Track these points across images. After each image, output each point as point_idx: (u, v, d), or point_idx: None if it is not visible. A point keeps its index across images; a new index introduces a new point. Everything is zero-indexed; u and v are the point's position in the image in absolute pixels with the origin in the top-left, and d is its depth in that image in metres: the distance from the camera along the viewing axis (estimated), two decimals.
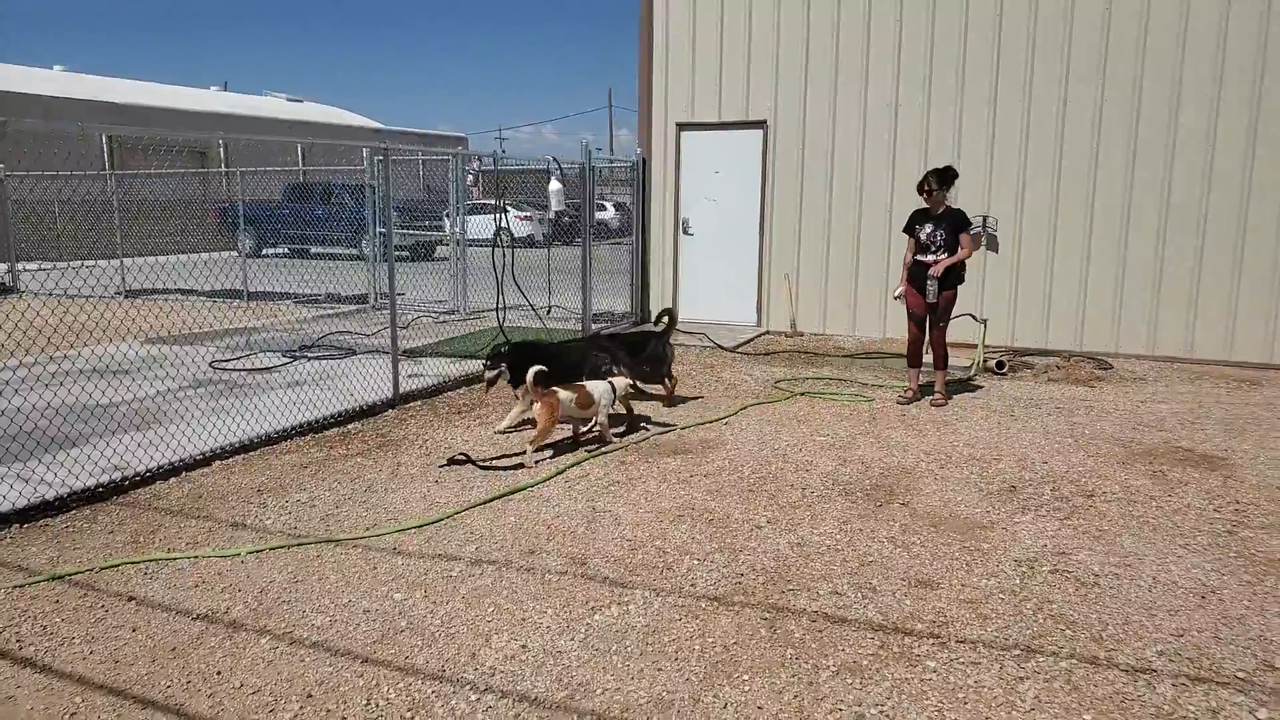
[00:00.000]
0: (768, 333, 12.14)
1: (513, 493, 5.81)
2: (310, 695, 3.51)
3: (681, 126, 12.55)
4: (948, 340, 8.34)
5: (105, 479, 5.90)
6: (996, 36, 10.76)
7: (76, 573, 4.59)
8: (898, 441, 7.04)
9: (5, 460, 6.12)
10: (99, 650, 3.83)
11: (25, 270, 17.65)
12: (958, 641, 3.90)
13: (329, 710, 3.40)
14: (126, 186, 18.83)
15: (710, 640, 3.90)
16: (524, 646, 3.86)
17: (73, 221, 21.02)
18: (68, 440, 6.72)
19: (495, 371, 7.36)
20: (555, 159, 11.26)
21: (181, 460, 6.33)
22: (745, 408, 8.05)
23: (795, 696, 3.46)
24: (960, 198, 9.45)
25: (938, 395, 8.30)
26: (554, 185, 11.15)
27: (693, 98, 12.39)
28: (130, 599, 4.32)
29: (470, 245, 14.69)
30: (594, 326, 11.95)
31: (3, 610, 4.20)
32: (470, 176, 14.96)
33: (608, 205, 27.78)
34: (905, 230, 8.38)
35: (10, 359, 9.67)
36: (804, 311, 12.13)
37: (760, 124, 12.05)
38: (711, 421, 7.59)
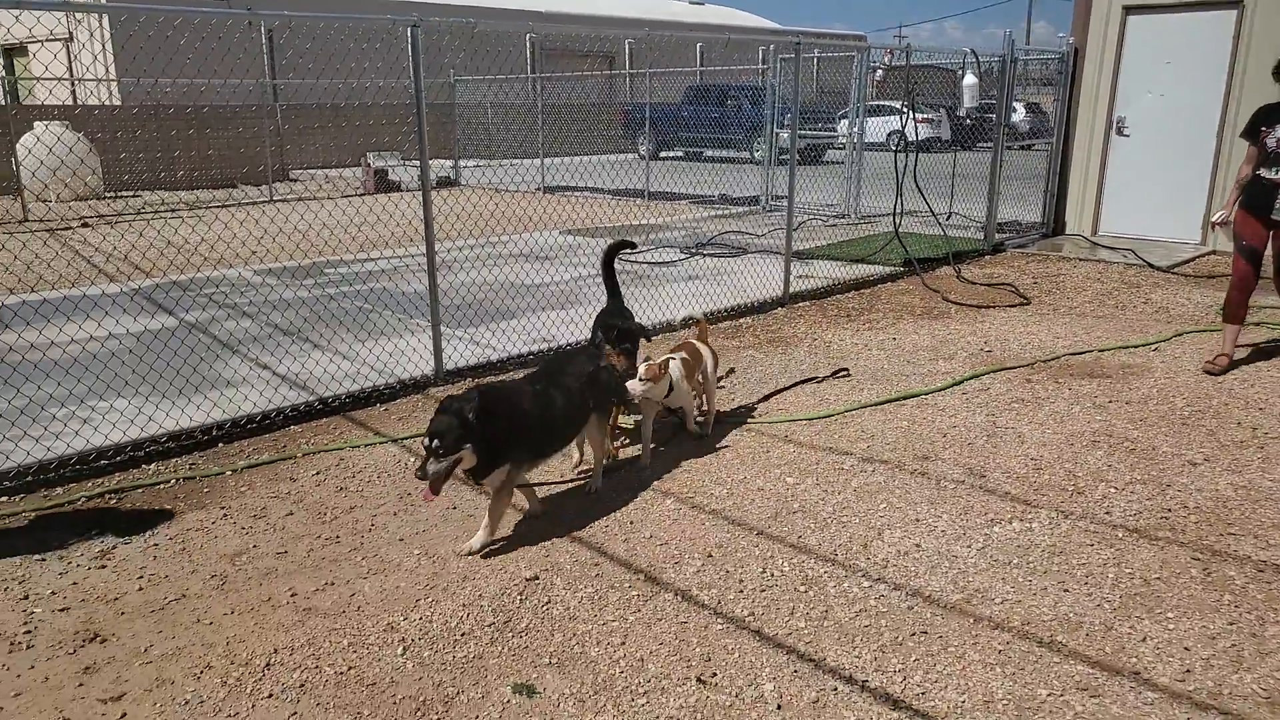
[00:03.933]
0: (1214, 253, 10.60)
1: (906, 397, 5.77)
2: (710, 555, 3.85)
3: (1129, 10, 11.09)
4: None
5: (535, 348, 6.79)
6: None
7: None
8: None
9: (455, 325, 7.25)
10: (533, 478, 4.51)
11: (465, 166, 20.40)
12: None
13: (728, 571, 3.71)
14: (548, 90, 20.83)
15: (1127, 571, 3.65)
16: (917, 545, 3.89)
17: (503, 123, 23.82)
18: (503, 313, 7.79)
19: (452, 458, 3.62)
20: (972, 50, 10.56)
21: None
22: (1180, 334, 7.18)
23: (1233, 645, 3.15)
24: None
25: None
26: (969, 80, 10.48)
27: None
28: None
29: (866, 149, 14.39)
30: (998, 236, 11.24)
31: None
32: (879, 72, 14.54)
33: (1018, 106, 25.59)
34: (1245, 135, 6.32)
35: (456, 241, 11.36)
36: None
37: (1234, 3, 10.28)
38: (1136, 346, 6.87)
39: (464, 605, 3.48)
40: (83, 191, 16.41)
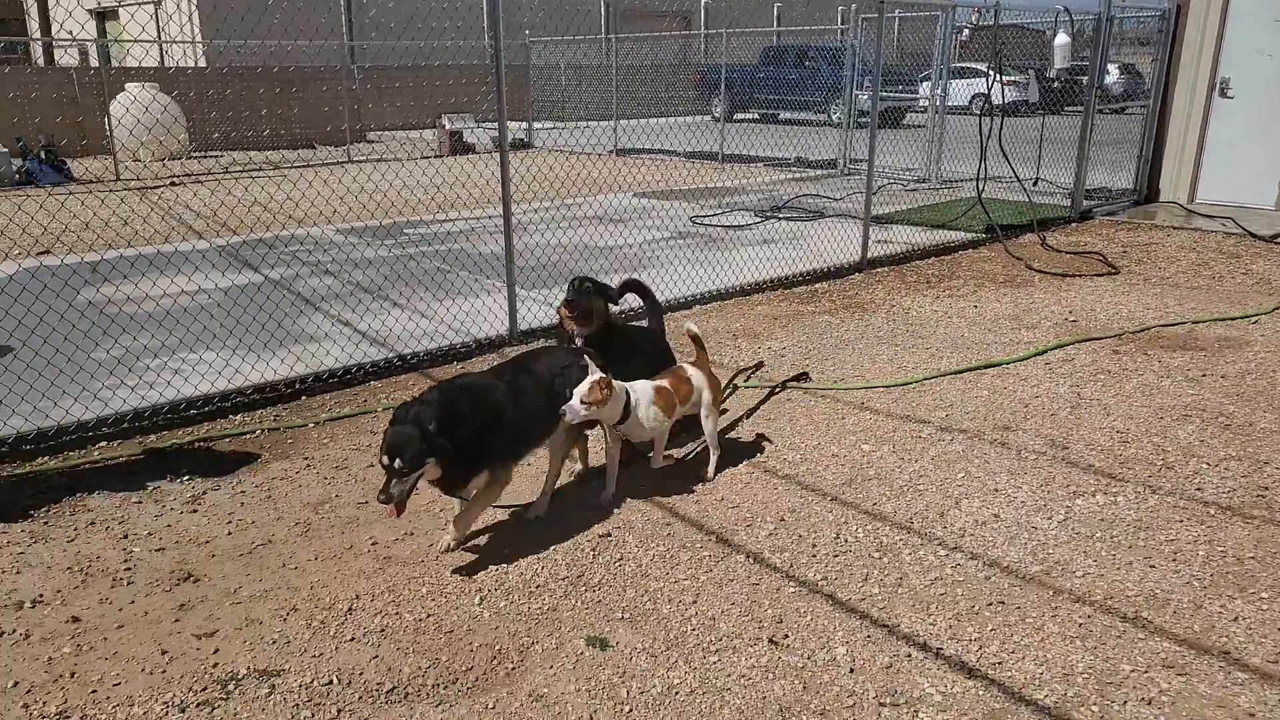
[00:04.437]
0: None
1: (986, 366, 5.65)
2: (783, 519, 3.85)
3: None
4: None
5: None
6: None
7: None
8: None
9: (529, 287, 7.31)
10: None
11: (538, 128, 20.45)
12: None
13: (800, 536, 3.71)
14: (622, 51, 20.70)
15: (1219, 549, 3.54)
16: (996, 515, 3.83)
17: (577, 84, 23.78)
18: (576, 274, 7.81)
19: (415, 475, 3.22)
20: (1065, 8, 10.15)
21: (668, 301, 7.06)
22: None
23: None
24: None
25: None
26: (1060, 39, 10.09)
27: None
28: None
29: (948, 112, 14.00)
30: (1085, 203, 10.87)
31: None
32: (965, 32, 14.08)
33: (1111, 68, 24.58)
34: None
35: (530, 203, 11.43)
36: None
37: None
38: (1234, 318, 6.60)
39: (539, 559, 3.54)
40: (171, 151, 16.93)
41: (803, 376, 5.47)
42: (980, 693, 2.76)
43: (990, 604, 3.20)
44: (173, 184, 13.95)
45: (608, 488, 4.06)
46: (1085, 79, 10.56)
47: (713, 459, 4.28)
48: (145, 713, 2.72)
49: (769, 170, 15.50)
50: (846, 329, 6.52)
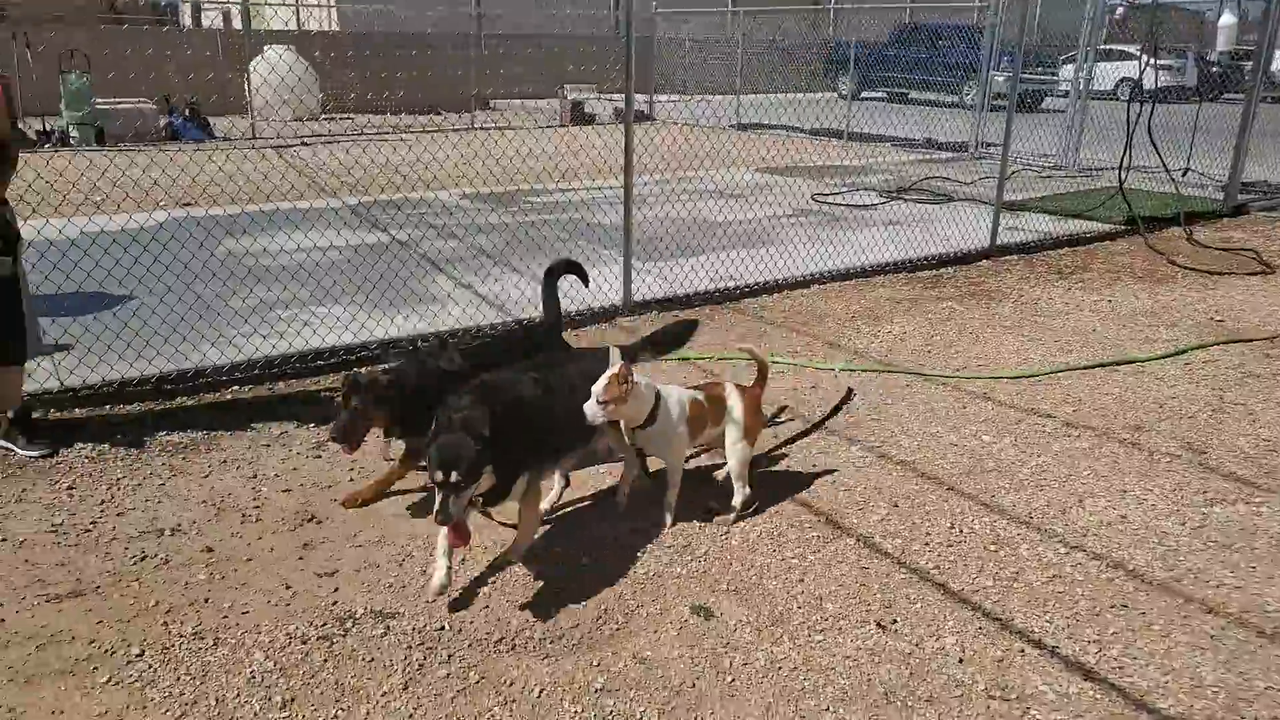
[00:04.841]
0: None
1: (1120, 363, 5.41)
2: (896, 505, 3.79)
3: None
4: None
5: (722, 285, 6.80)
6: None
7: (700, 358, 5.44)
8: None
9: (644, 259, 7.35)
10: None
11: (659, 101, 20.44)
12: None
13: (914, 523, 3.65)
14: (748, 24, 20.47)
15: None
16: (1123, 517, 3.68)
17: (701, 57, 23.64)
18: (691, 249, 7.82)
19: (473, 488, 2.92)
20: None
21: (784, 279, 7.02)
22: None
23: None
24: None
25: None
26: (1225, 19, 9.51)
27: None
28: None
29: (1091, 97, 13.35)
30: (1241, 197, 10.24)
31: (648, 376, 5.18)
32: (1119, 10, 13.38)
33: (1278, 53, 22.99)
34: None
35: (648, 175, 11.46)
36: None
37: None
38: None
39: (644, 525, 3.59)
40: (303, 113, 17.61)
41: (848, 396, 4.86)
42: (1098, 695, 2.68)
43: (1113, 606, 3.09)
44: (304, 144, 14.53)
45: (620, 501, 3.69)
46: (1250, 64, 9.91)
47: (737, 496, 3.64)
48: (270, 641, 2.89)
49: (896, 151, 15.12)
50: (971, 316, 6.34)
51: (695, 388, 3.68)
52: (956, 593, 3.18)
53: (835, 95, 22.60)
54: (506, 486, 3.05)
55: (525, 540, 3.33)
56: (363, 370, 3.37)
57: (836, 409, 4.67)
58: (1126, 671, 2.78)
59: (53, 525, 3.53)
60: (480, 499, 2.98)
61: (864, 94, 24.06)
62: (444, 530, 2.94)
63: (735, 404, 3.63)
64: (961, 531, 3.59)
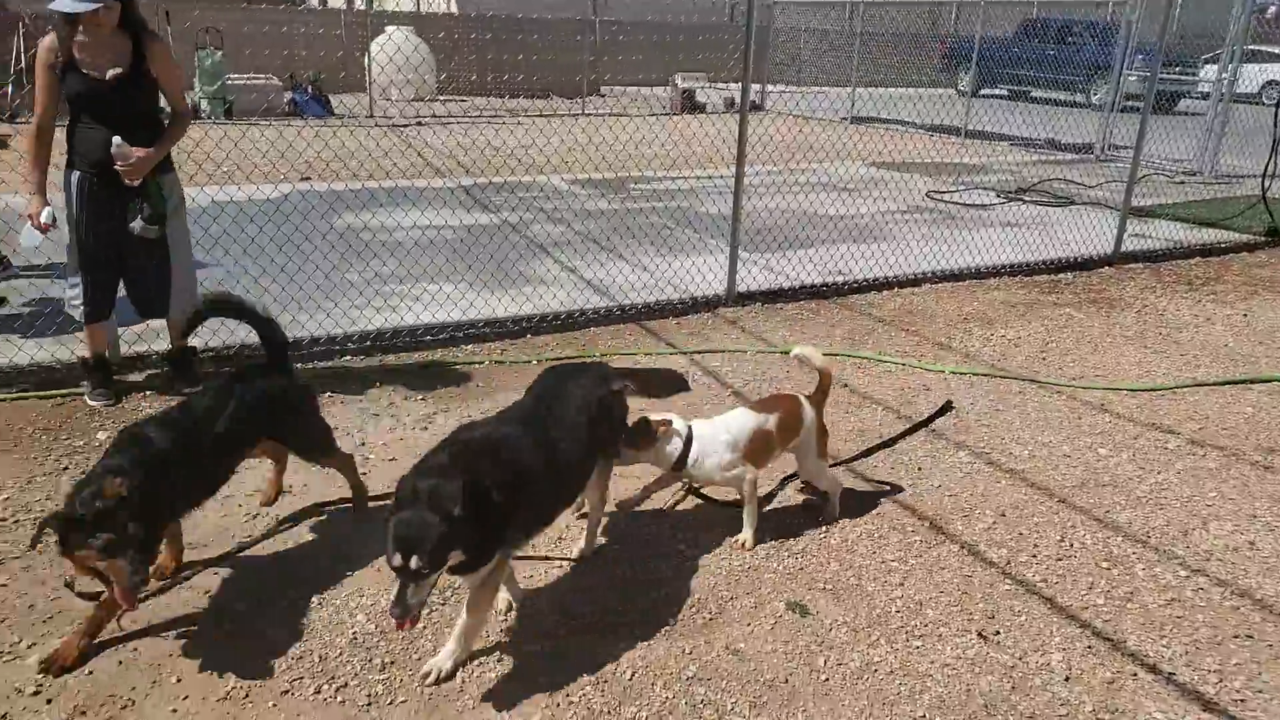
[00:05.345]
0: None
1: (1255, 381, 5.14)
2: (1003, 514, 3.69)
3: None
4: None
5: (828, 280, 6.71)
6: None
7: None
8: None
9: (750, 250, 7.30)
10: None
11: (771, 92, 20.24)
12: None
13: (1021, 534, 3.55)
14: (867, 17, 20.08)
15: None
16: (1251, 543, 3.50)
17: (816, 49, 23.32)
18: (798, 241, 7.73)
19: (437, 574, 2.47)
20: None
21: (894, 276, 6.89)
22: None
23: None
24: None
25: None
26: None
27: None
28: (844, 385, 4.95)
29: (1234, 100, 12.66)
30: None
31: (749, 368, 5.17)
32: (1272, 10, 12.64)
33: None
34: None
35: (758, 166, 11.37)
36: None
37: None
38: None
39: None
40: (421, 93, 18.05)
41: (946, 408, 4.20)
42: None
43: (1236, 636, 2.95)
44: (421, 124, 14.89)
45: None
46: None
47: (831, 509, 3.59)
48: (373, 604, 2.99)
49: (1015, 150, 14.63)
50: (1090, 324, 6.11)
51: (763, 402, 3.59)
52: (1064, 608, 3.07)
53: (954, 91, 22.01)
54: (475, 566, 2.56)
55: (469, 639, 2.72)
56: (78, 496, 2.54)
57: (928, 421, 4.25)
58: (1249, 705, 2.65)
59: None
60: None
61: (984, 91, 23.35)
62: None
63: (809, 419, 3.45)
64: (1072, 545, 3.47)
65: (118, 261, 4.24)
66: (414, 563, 2.33)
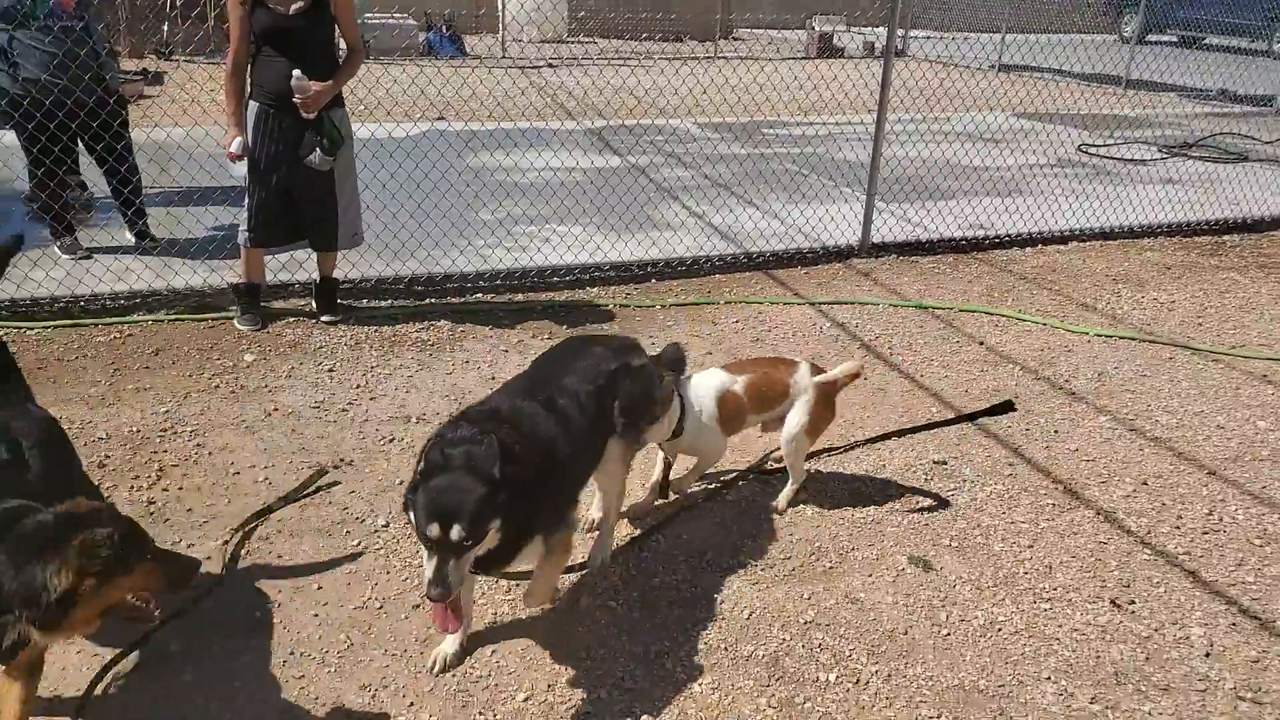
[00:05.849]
0: None
1: None
2: (1145, 483, 3.55)
3: None
4: None
5: (969, 234, 6.50)
6: None
7: (938, 307, 5.26)
8: None
9: (886, 200, 7.11)
10: (952, 374, 4.41)
11: (914, 37, 19.49)
12: None
13: (1164, 504, 3.41)
14: None
15: None
16: None
17: None
18: (938, 193, 7.50)
19: (475, 549, 2.23)
20: None
21: (1039, 233, 6.61)
22: None
23: None
24: None
25: None
26: None
27: None
28: (980, 343, 4.82)
29: None
30: None
31: (880, 321, 5.08)
32: None
33: None
34: None
35: (898, 113, 11.02)
36: None
37: None
38: None
39: (867, 470, 3.57)
40: (551, 34, 18.15)
41: (1006, 407, 3.63)
42: None
43: None
44: (551, 65, 15.00)
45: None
46: None
47: (788, 488, 3.31)
48: None
49: (1183, 101, 13.71)
50: (1256, 290, 5.74)
51: (754, 363, 3.32)
52: (1209, 583, 2.96)
53: (1115, 38, 20.72)
54: (512, 552, 2.34)
55: (547, 587, 2.63)
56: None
57: (978, 415, 3.80)
58: None
59: (315, 402, 3.96)
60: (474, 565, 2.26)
61: (1150, 37, 21.88)
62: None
63: (803, 387, 3.17)
64: (1221, 520, 3.32)
65: (288, 192, 4.47)
66: (455, 533, 2.10)
